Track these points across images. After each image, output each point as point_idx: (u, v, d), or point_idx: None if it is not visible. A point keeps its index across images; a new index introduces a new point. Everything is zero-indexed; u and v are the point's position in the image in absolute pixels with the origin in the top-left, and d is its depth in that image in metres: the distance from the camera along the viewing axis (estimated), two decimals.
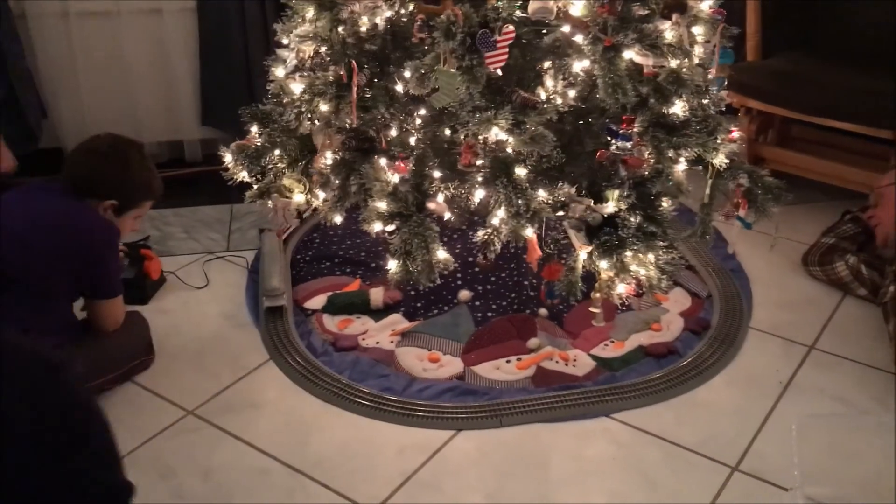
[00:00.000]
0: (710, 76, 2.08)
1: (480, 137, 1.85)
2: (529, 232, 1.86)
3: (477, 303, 2.36)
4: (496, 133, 1.80)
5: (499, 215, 1.87)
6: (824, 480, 1.69)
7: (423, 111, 2.07)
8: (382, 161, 2.04)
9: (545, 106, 1.88)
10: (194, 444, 1.90)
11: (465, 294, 2.38)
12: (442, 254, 1.89)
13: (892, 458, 1.70)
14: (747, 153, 2.89)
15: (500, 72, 1.90)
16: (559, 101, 1.98)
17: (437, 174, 1.96)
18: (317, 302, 2.39)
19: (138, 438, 1.90)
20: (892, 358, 2.09)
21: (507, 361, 2.14)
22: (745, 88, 2.77)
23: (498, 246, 1.90)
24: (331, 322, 2.31)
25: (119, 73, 3.06)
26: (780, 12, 2.86)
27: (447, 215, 2.12)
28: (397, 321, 2.29)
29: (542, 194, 1.90)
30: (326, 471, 1.81)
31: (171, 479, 1.80)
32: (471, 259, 2.37)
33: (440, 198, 1.95)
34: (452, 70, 1.80)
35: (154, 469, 1.82)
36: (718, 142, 1.99)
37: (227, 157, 2.20)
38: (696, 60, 1.98)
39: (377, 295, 2.35)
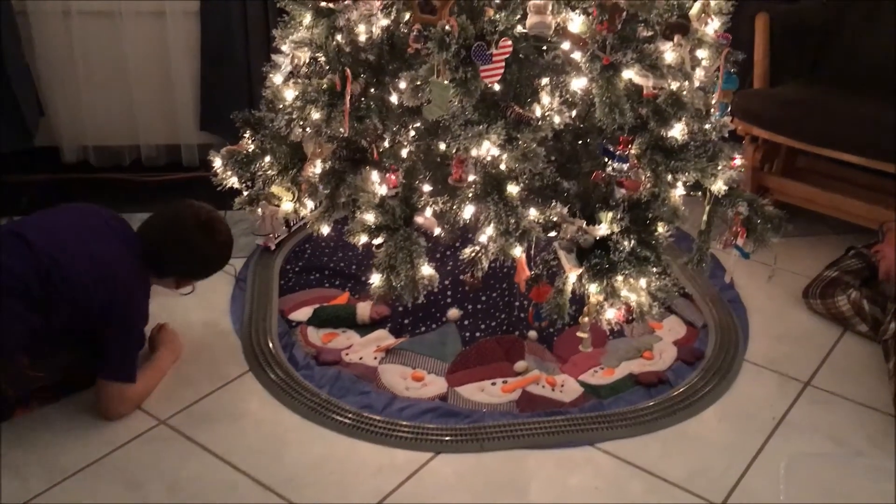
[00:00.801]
0: (713, 101, 2.04)
1: (472, 152, 1.80)
2: (518, 251, 1.81)
3: (466, 322, 2.30)
4: (487, 148, 1.76)
5: (487, 232, 1.82)
6: None
7: (417, 124, 2.03)
8: (374, 173, 2.00)
9: (540, 123, 1.83)
10: (164, 455, 1.84)
11: (454, 313, 2.32)
12: (427, 270, 1.84)
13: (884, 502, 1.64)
14: (751, 182, 2.84)
15: (497, 87, 1.87)
16: (556, 119, 1.94)
17: (426, 188, 1.92)
18: (303, 314, 2.34)
19: (106, 447, 1.84)
20: (892, 398, 2.02)
21: (493, 384, 2.08)
22: (751, 116, 2.71)
23: (485, 264, 1.85)
24: (315, 335, 2.26)
25: (119, 74, 3.04)
26: (788, 39, 2.81)
27: (437, 231, 2.07)
28: (383, 337, 2.24)
29: (533, 213, 1.85)
30: (297, 488, 1.75)
31: (137, 490, 1.74)
32: (462, 277, 2.31)
33: (428, 212, 1.90)
34: (446, 82, 1.75)
35: (120, 479, 1.76)
36: (718, 168, 1.95)
37: (217, 162, 2.16)
38: (696, 83, 1.94)
39: (364, 309, 2.30)
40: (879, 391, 2.09)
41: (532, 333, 2.25)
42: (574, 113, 2.03)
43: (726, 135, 2.05)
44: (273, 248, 2.58)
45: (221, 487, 1.76)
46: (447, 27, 1.71)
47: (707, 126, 2.00)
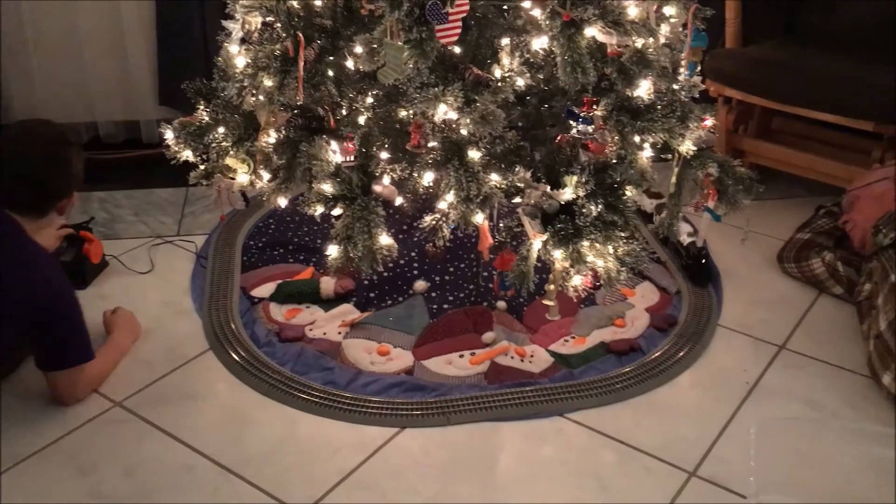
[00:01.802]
0: (682, 60, 1.97)
1: (430, 116, 1.73)
2: (480, 218, 1.75)
3: (433, 294, 2.25)
4: (445, 111, 1.69)
5: (448, 199, 1.75)
6: (786, 488, 1.58)
7: (376, 91, 1.96)
8: (331, 142, 1.93)
9: (500, 85, 1.76)
10: (119, 437, 1.78)
11: (420, 285, 2.26)
12: (385, 239, 1.77)
13: (861, 466, 1.60)
14: (725, 145, 2.78)
15: (457, 49, 1.79)
16: (520, 81, 1.86)
17: (384, 156, 1.85)
18: (265, 290, 2.27)
19: (58, 430, 1.78)
20: (867, 359, 1.98)
21: (461, 356, 2.02)
22: (723, 76, 2.65)
23: (447, 232, 1.78)
24: (278, 311, 2.19)
25: (72, 50, 2.94)
26: None
27: (398, 200, 2.01)
28: (348, 311, 2.18)
29: (495, 178, 1.79)
30: (257, 469, 1.70)
31: (91, 474, 1.68)
32: (425, 247, 2.25)
33: (387, 180, 1.83)
34: (400, 43, 1.68)
35: (73, 464, 1.70)
36: (687, 128, 1.89)
37: (169, 134, 2.08)
38: (662, 40, 1.87)
39: (328, 284, 2.24)
40: (854, 353, 2.05)
41: (501, 304, 2.20)
42: (539, 75, 1.96)
43: (697, 95, 1.98)
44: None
45: (179, 469, 1.70)
46: None
47: (676, 86, 1.94)
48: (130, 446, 1.75)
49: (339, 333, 2.10)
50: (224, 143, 2.04)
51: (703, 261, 2.32)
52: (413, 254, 2.32)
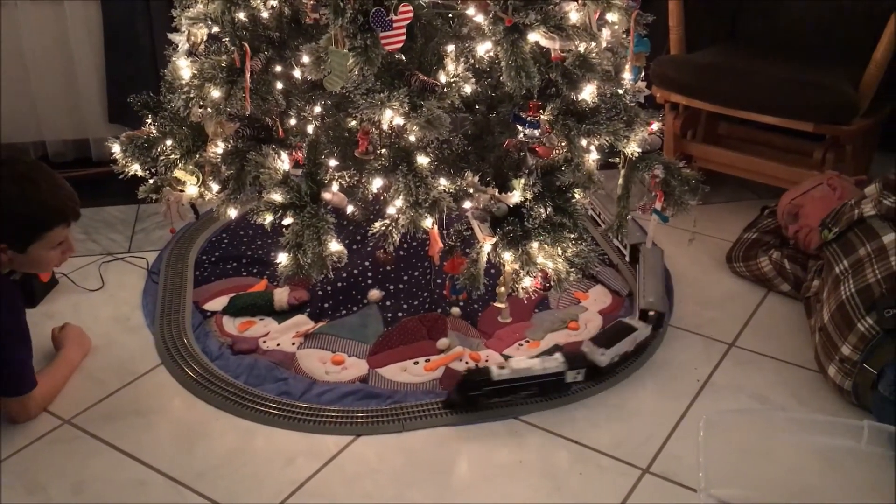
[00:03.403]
0: (626, 65, 2.01)
1: (377, 122, 1.74)
2: (429, 222, 1.76)
3: (388, 303, 2.25)
4: (391, 116, 1.70)
5: (397, 205, 1.76)
6: (735, 480, 1.60)
7: (324, 99, 1.96)
8: (283, 153, 1.92)
9: (446, 90, 1.78)
10: (68, 455, 1.74)
11: (375, 294, 2.26)
12: (335, 246, 1.77)
13: (806, 455, 1.63)
14: (674, 150, 2.83)
15: (403, 57, 1.81)
16: (467, 88, 1.88)
17: (333, 163, 1.85)
18: (218, 303, 2.25)
19: (6, 450, 1.74)
20: (814, 354, 2.02)
21: (415, 363, 2.02)
22: (668, 82, 2.71)
23: (396, 238, 1.78)
24: (231, 324, 2.17)
25: (17, 68, 2.89)
26: (703, 5, 2.81)
27: (350, 208, 2.01)
28: (302, 322, 2.17)
29: (444, 183, 1.80)
30: (210, 482, 1.68)
31: (39, 493, 1.65)
32: (376, 253, 2.25)
33: (335, 187, 1.84)
34: (344, 50, 1.69)
35: (20, 483, 1.67)
36: (632, 131, 1.92)
37: (116, 148, 2.06)
38: (604, 44, 1.91)
39: (281, 295, 2.22)
40: (803, 348, 2.09)
41: (455, 310, 2.20)
42: (486, 81, 1.98)
43: (642, 100, 2.02)
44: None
45: (129, 485, 1.67)
46: None
47: (620, 90, 1.98)
48: (79, 463, 1.72)
49: (294, 344, 2.09)
50: (172, 156, 2.03)
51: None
52: (367, 263, 2.32)
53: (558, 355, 1.93)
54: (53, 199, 1.82)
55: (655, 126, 2.02)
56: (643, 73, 2.04)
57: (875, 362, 1.79)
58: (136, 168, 2.09)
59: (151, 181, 2.12)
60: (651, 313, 2.10)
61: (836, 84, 2.45)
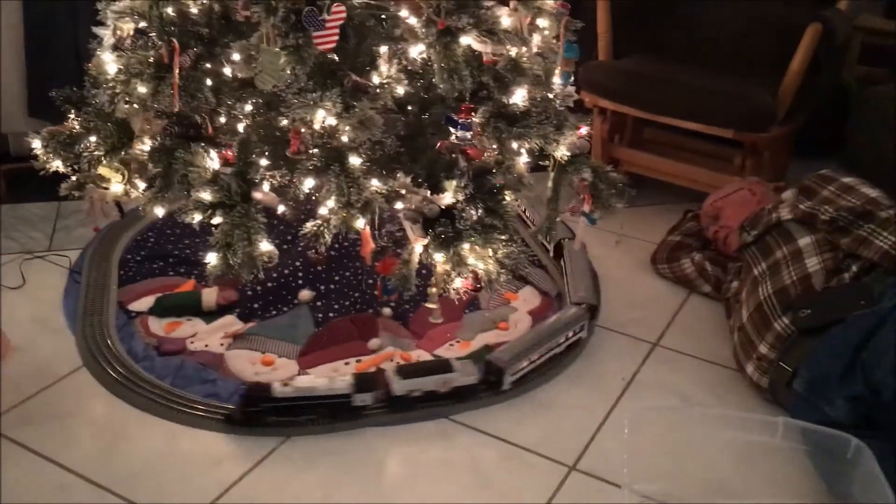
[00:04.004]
0: (556, 70, 2.05)
1: (309, 123, 1.73)
2: (361, 223, 1.76)
3: (319, 303, 2.24)
4: (323, 116, 1.69)
5: (329, 205, 1.75)
6: (656, 475, 1.65)
7: (255, 98, 1.94)
8: (212, 151, 1.90)
9: (378, 91, 1.78)
10: None
11: (305, 294, 2.25)
12: (266, 246, 1.75)
13: (722, 450, 1.69)
14: (602, 153, 2.89)
15: (336, 57, 1.80)
16: (400, 90, 1.89)
17: (263, 162, 1.83)
18: (144, 304, 2.20)
19: None
20: (732, 352, 2.10)
21: (346, 363, 2.02)
22: (596, 87, 2.76)
23: (328, 238, 1.78)
24: (157, 325, 2.13)
25: None
26: (629, 14, 2.88)
27: (281, 208, 1.99)
28: (231, 323, 2.14)
29: (375, 184, 1.80)
30: (132, 486, 1.64)
31: None
32: (308, 254, 2.24)
33: (266, 186, 1.82)
34: (276, 49, 1.68)
35: None
36: (562, 135, 1.96)
37: (36, 143, 2.00)
38: (534, 49, 1.94)
39: (210, 295, 2.19)
40: (722, 347, 2.17)
41: (386, 311, 2.21)
42: (419, 83, 2.00)
43: (572, 105, 2.06)
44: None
45: (50, 489, 1.63)
46: None
47: (550, 95, 2.01)
48: None
49: (222, 345, 2.06)
50: (96, 152, 1.98)
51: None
52: (297, 264, 2.31)
53: (349, 377, 1.84)
54: None
55: (584, 130, 2.06)
56: (572, 78, 2.08)
57: (790, 360, 1.87)
58: (57, 164, 2.03)
59: (74, 178, 2.07)
60: (583, 305, 2.13)
61: (754, 93, 2.55)
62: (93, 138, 1.98)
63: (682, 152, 2.97)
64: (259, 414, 1.79)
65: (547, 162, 2.07)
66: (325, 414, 1.82)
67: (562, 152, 1.95)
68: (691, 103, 2.63)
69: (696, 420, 1.73)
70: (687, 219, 2.59)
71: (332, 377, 1.88)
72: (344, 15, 1.70)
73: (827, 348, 1.80)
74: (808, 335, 1.87)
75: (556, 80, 2.04)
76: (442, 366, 1.92)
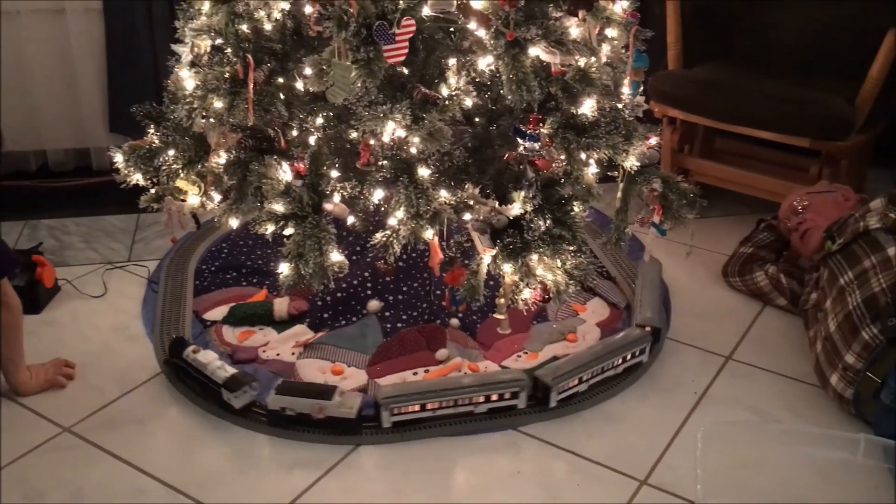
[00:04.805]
0: (625, 80, 2.03)
1: (379, 135, 1.76)
2: (430, 234, 1.77)
3: (387, 313, 2.26)
4: (393, 128, 1.71)
5: (398, 216, 1.77)
6: (730, 491, 1.61)
7: (326, 111, 1.98)
8: (284, 163, 1.94)
9: (447, 103, 1.80)
10: (67, 463, 1.75)
11: (374, 304, 2.27)
12: (336, 256, 1.78)
13: (799, 467, 1.64)
14: (671, 164, 2.85)
15: (405, 70, 1.83)
16: (468, 101, 1.90)
17: (334, 174, 1.87)
18: (218, 313, 2.26)
19: (5, 457, 1.75)
20: (813, 365, 2.04)
21: (414, 373, 2.03)
22: (666, 97, 2.73)
23: (397, 249, 1.80)
24: (231, 334, 2.18)
25: (19, 77, 2.91)
26: (700, 22, 2.84)
27: (350, 219, 2.02)
28: (301, 332, 2.18)
29: (444, 195, 1.82)
30: (208, 490, 1.68)
31: (37, 500, 1.65)
32: (376, 264, 2.26)
33: (336, 198, 1.85)
34: (347, 63, 1.71)
35: (19, 491, 1.67)
36: (631, 145, 1.94)
37: (118, 158, 2.07)
38: (603, 59, 1.93)
39: (281, 305, 2.23)
40: (798, 362, 2.11)
41: (454, 321, 2.22)
42: (487, 95, 2.00)
43: (641, 114, 2.05)
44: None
45: (128, 492, 1.68)
46: (345, 6, 1.66)
47: (619, 105, 2.00)
48: (78, 471, 1.73)
49: (293, 354, 2.10)
50: (174, 165, 2.04)
51: None
52: (366, 274, 2.34)
53: (230, 368, 1.93)
54: None
55: (653, 140, 2.04)
56: (641, 88, 2.07)
57: (878, 370, 1.81)
58: (137, 177, 2.11)
59: (153, 191, 2.14)
60: (647, 329, 2.11)
61: (831, 100, 2.48)
62: (171, 152, 2.05)
63: (754, 162, 2.91)
64: (177, 364, 1.97)
65: (616, 172, 2.05)
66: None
67: (631, 163, 1.93)
68: (765, 112, 2.57)
69: (772, 436, 1.68)
70: (760, 230, 2.52)
71: (223, 365, 1.94)
72: (413, 28, 1.72)
73: None
74: None
75: (625, 89, 2.02)
76: (325, 391, 1.85)
